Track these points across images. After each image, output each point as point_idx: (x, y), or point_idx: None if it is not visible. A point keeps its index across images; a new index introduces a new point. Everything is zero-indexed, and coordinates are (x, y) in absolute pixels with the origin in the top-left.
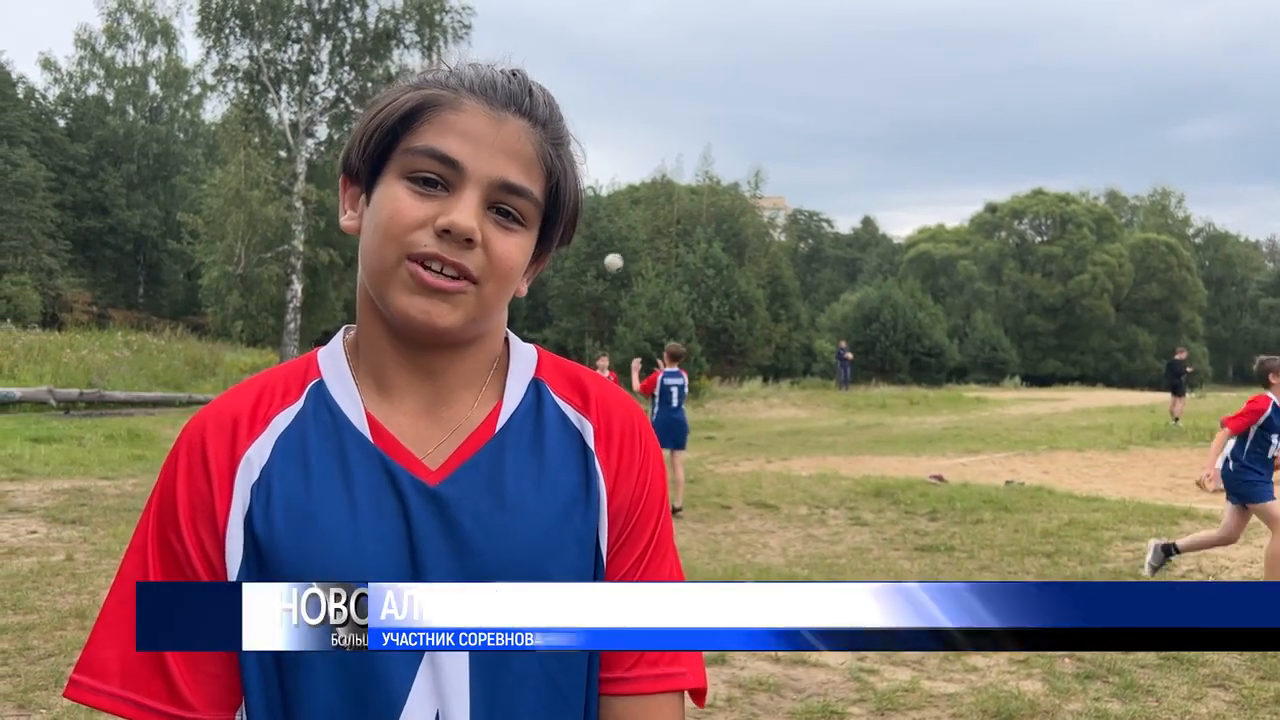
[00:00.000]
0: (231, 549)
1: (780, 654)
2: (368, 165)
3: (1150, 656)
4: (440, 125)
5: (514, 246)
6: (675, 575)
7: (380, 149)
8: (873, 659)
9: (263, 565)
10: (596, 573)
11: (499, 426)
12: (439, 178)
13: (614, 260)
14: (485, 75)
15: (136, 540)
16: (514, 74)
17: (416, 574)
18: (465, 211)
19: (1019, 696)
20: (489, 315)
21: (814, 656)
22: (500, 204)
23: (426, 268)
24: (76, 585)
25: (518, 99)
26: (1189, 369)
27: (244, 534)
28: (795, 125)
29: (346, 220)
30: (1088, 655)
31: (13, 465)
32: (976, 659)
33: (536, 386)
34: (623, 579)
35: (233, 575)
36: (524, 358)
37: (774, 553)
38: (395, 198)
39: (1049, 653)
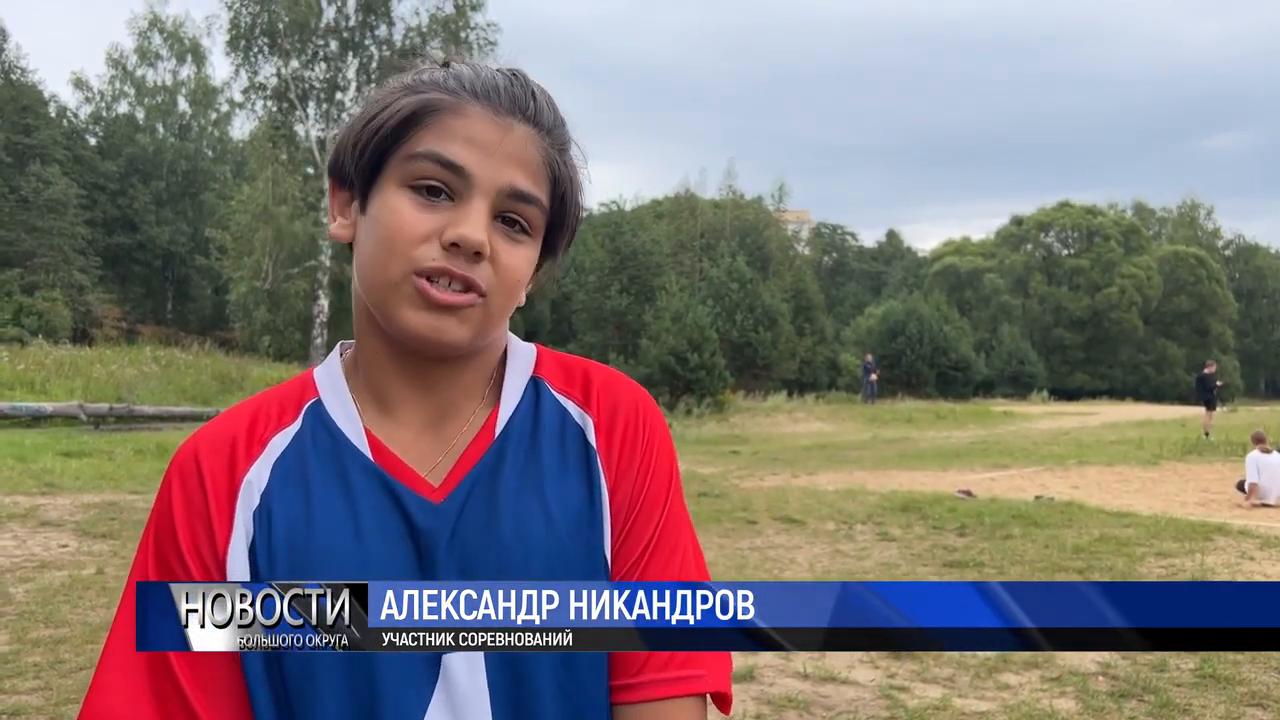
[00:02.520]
0: (234, 576)
1: (810, 670)
2: (363, 170)
3: (1186, 675)
4: (443, 130)
5: (521, 258)
6: (688, 575)
7: (377, 154)
8: (903, 676)
9: None
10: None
11: (497, 433)
12: (444, 186)
13: None
14: (486, 78)
15: (135, 576)
16: (515, 75)
17: None
18: (475, 223)
19: (1052, 715)
20: (495, 328)
21: (844, 673)
22: (508, 213)
23: (433, 283)
24: (107, 599)
25: (522, 104)
26: (1219, 382)
27: (247, 562)
28: (818, 138)
29: (337, 228)
30: (1122, 673)
31: (44, 479)
32: (1009, 676)
33: (535, 385)
34: (622, 579)
35: None
36: (521, 357)
37: (801, 568)
38: (397, 209)
39: (1083, 672)
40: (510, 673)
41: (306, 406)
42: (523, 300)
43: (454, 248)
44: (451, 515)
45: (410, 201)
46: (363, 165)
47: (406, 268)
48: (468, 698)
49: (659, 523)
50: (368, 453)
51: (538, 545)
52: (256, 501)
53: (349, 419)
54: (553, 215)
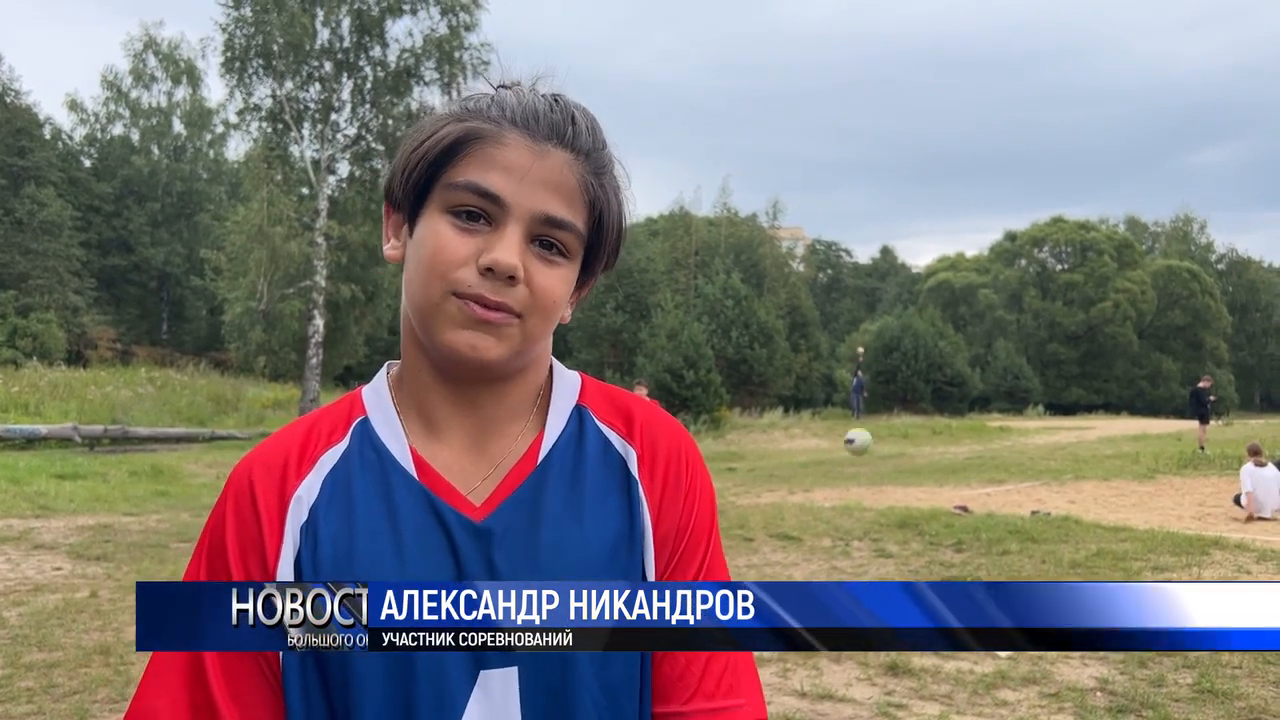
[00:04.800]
0: None
1: (807, 688)
2: (410, 195)
3: (1184, 690)
4: (483, 159)
5: (557, 279)
6: None
7: (423, 180)
8: (900, 693)
9: None
10: None
11: (540, 458)
12: (481, 212)
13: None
14: (528, 104)
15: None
16: (556, 101)
17: None
18: (508, 249)
19: None
20: (533, 347)
21: (841, 690)
22: (542, 236)
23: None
24: (101, 622)
25: (560, 129)
26: (1213, 396)
27: (293, 574)
28: (812, 156)
29: (390, 249)
30: (1120, 689)
31: (38, 502)
32: (1006, 693)
33: (579, 413)
34: None
35: None
36: (567, 384)
37: None
38: (438, 233)
39: (1081, 687)
40: (548, 693)
41: (355, 424)
42: (567, 317)
43: (489, 272)
44: (491, 534)
45: (450, 226)
46: (410, 190)
47: (446, 289)
48: (502, 711)
49: (705, 556)
50: (412, 470)
51: (575, 566)
52: (304, 516)
53: (395, 437)
54: (590, 237)
